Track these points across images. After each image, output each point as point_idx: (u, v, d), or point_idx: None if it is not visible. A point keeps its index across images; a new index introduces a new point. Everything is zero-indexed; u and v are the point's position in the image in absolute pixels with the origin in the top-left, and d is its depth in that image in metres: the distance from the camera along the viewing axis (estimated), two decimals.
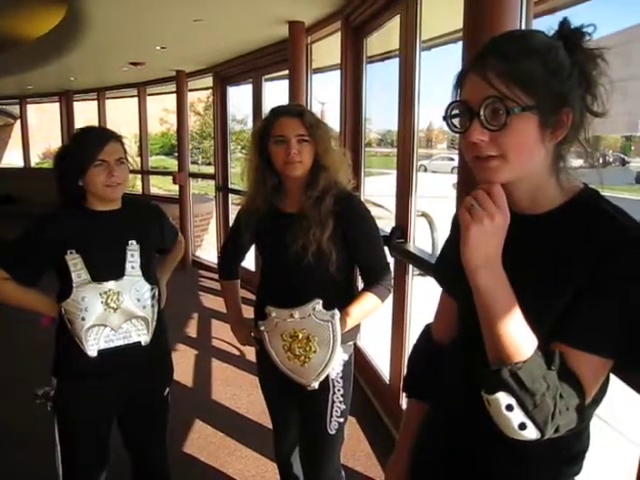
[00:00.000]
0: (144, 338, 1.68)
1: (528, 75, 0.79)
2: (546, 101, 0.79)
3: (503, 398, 0.78)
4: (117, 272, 1.62)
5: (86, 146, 1.59)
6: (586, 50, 0.82)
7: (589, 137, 0.85)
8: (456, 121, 0.86)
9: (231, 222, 2.01)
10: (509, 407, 0.78)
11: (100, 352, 1.60)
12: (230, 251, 2.00)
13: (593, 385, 0.82)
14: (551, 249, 0.85)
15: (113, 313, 1.60)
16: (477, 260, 0.80)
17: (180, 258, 2.03)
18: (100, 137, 1.61)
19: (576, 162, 0.91)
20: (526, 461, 0.91)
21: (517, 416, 0.78)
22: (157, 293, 1.73)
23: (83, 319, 1.57)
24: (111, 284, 1.60)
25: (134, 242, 1.67)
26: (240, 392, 3.36)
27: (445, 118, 0.87)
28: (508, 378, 0.77)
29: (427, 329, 1.20)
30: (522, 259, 0.88)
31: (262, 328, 1.65)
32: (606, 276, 0.79)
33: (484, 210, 0.78)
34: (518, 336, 0.79)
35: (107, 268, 1.61)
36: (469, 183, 1.61)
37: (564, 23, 0.83)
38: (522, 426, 0.78)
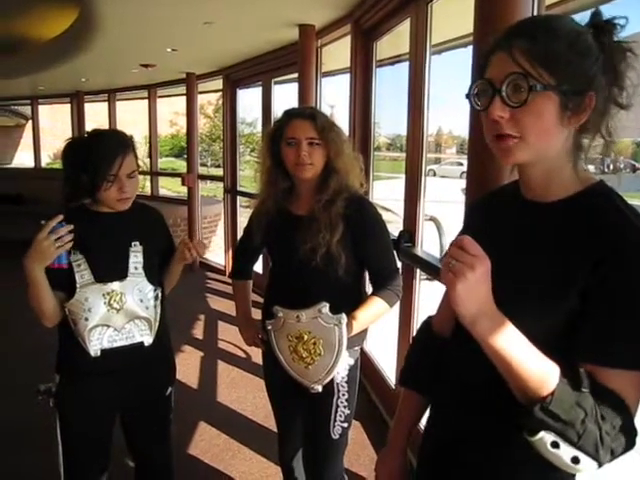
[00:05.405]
0: (147, 339, 1.68)
1: (553, 55, 0.79)
2: (569, 82, 0.79)
3: (545, 437, 0.75)
4: (120, 273, 1.62)
5: (100, 160, 1.54)
6: (615, 41, 0.81)
7: (611, 129, 0.84)
8: (479, 101, 0.87)
9: (239, 224, 2.02)
10: (554, 444, 0.75)
11: (103, 352, 1.60)
12: (243, 251, 2.01)
13: (635, 395, 0.78)
14: (557, 237, 0.85)
15: (116, 314, 1.60)
16: (472, 312, 0.78)
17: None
18: (115, 150, 1.56)
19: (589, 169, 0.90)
20: (513, 461, 0.90)
21: (566, 451, 0.75)
22: (160, 294, 1.72)
23: (86, 319, 1.57)
24: (114, 285, 1.60)
25: (137, 243, 1.67)
26: (245, 394, 3.36)
27: (468, 96, 0.88)
28: (542, 416, 0.75)
29: (428, 321, 1.20)
30: (529, 246, 0.88)
31: (269, 327, 1.65)
32: (619, 284, 0.77)
33: (463, 264, 0.77)
34: (537, 370, 0.77)
35: (110, 269, 1.61)
36: (478, 189, 1.60)
37: (597, 14, 0.83)
38: (575, 460, 0.75)
